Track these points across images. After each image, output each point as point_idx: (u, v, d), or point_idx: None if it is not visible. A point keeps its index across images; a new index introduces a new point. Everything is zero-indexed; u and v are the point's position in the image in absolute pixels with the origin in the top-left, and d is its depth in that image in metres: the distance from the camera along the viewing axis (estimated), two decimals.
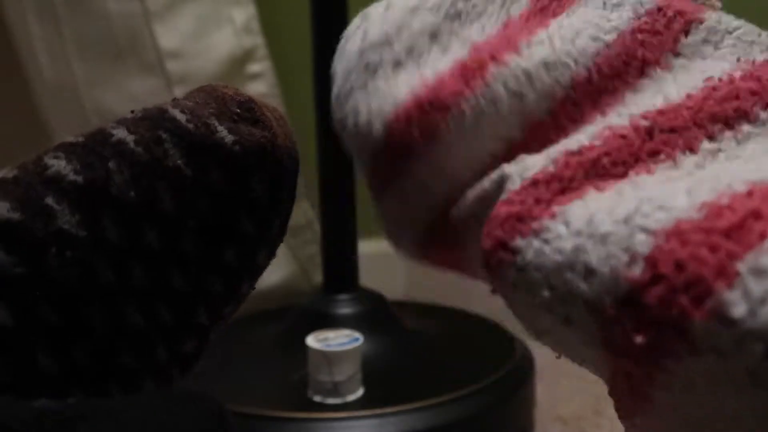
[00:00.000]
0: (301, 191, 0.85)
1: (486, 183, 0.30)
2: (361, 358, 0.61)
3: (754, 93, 0.29)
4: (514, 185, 0.28)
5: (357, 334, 0.62)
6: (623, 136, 0.28)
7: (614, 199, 0.26)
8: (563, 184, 0.27)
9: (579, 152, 0.28)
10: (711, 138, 0.28)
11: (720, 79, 0.29)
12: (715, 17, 0.32)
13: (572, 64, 0.30)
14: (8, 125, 0.83)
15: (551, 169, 0.28)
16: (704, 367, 0.23)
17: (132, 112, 0.30)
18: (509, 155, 0.30)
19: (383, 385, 0.62)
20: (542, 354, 0.70)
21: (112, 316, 0.29)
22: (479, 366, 0.65)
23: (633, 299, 0.24)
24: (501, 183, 0.29)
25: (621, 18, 0.31)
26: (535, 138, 0.30)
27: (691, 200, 0.24)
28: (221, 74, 0.79)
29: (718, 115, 0.28)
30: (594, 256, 0.25)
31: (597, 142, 0.28)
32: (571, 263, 0.25)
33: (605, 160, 0.27)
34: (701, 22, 0.31)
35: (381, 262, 0.98)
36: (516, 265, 0.27)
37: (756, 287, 0.22)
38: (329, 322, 0.67)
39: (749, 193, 0.24)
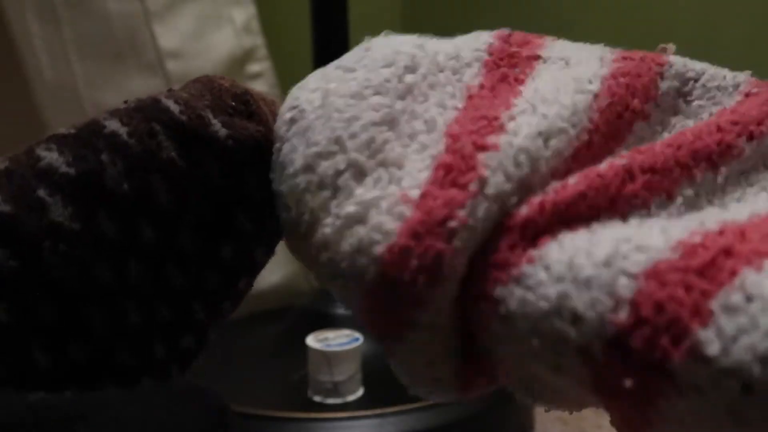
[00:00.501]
0: None
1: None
2: (361, 358, 0.61)
3: (734, 123, 0.29)
4: (494, 235, 0.27)
5: (357, 334, 0.62)
6: (600, 176, 0.27)
7: (589, 239, 0.26)
8: (537, 228, 0.26)
9: (553, 193, 0.26)
10: (691, 181, 0.28)
11: (703, 120, 0.29)
12: (679, 61, 0.31)
13: (570, 128, 0.28)
14: (8, 125, 0.83)
15: (524, 212, 0.26)
16: (689, 406, 0.23)
17: (125, 102, 0.30)
18: None
19: (383, 385, 0.62)
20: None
21: (109, 312, 0.28)
22: None
23: (620, 343, 0.24)
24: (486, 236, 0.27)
25: (595, 67, 0.30)
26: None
27: (666, 239, 0.24)
28: (221, 74, 0.79)
29: (701, 153, 0.28)
30: (579, 302, 0.24)
31: (572, 180, 0.27)
32: (557, 310, 0.25)
33: (581, 204, 0.26)
34: (670, 65, 0.31)
35: None
36: (499, 314, 0.26)
37: (728, 324, 0.22)
38: (329, 322, 0.67)
39: (721, 232, 0.24)
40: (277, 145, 0.29)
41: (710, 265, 0.23)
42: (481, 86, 0.29)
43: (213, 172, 0.29)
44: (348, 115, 0.27)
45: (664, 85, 0.30)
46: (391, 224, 0.26)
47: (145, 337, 0.29)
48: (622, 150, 0.29)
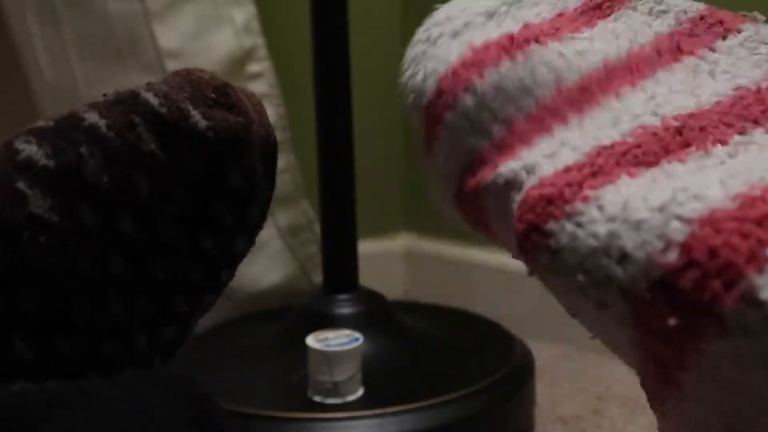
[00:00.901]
0: (301, 191, 0.85)
1: (505, 171, 0.30)
2: (361, 358, 0.61)
3: None
4: (545, 172, 0.29)
5: (357, 334, 0.62)
6: (655, 134, 0.28)
7: (647, 186, 0.26)
8: (594, 168, 0.28)
9: (611, 146, 0.28)
10: (742, 133, 0.29)
11: (748, 89, 0.30)
12: (753, 28, 0.32)
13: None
14: (8, 125, 0.83)
15: (582, 157, 0.28)
16: (733, 349, 0.24)
17: (104, 95, 0.30)
18: (521, 135, 0.31)
19: (383, 385, 0.62)
20: (542, 354, 0.70)
21: (91, 303, 0.28)
22: (479, 366, 0.65)
23: (667, 284, 0.24)
24: (528, 171, 0.29)
25: (662, 24, 0.32)
26: (556, 113, 0.31)
27: (725, 191, 0.25)
28: (221, 74, 0.78)
29: (746, 117, 0.29)
30: (629, 241, 0.25)
31: (629, 139, 0.28)
32: (605, 248, 0.26)
33: (637, 151, 0.28)
34: (740, 31, 0.32)
35: (381, 262, 0.98)
36: (550, 248, 0.27)
37: None
38: (329, 322, 0.67)
39: None
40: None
41: None
42: (575, 9, 0.34)
43: (193, 163, 0.29)
44: (463, 6, 0.36)
45: (725, 43, 0.32)
46: (454, 58, 0.34)
47: (127, 328, 0.29)
48: (664, 71, 0.31)
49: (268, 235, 0.83)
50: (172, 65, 0.76)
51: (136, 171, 0.29)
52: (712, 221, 0.24)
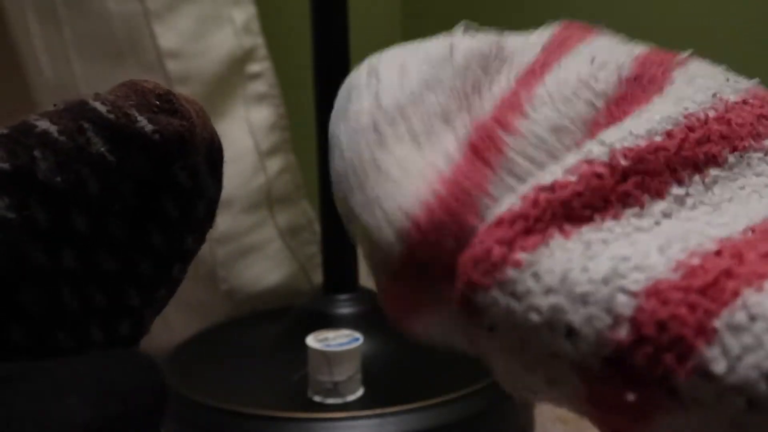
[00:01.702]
0: (301, 191, 0.85)
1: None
2: (361, 358, 0.61)
3: (724, 137, 0.29)
4: (488, 219, 0.27)
5: (357, 334, 0.62)
6: (599, 176, 0.27)
7: (583, 253, 0.26)
8: (528, 224, 0.26)
9: (551, 188, 0.26)
10: (680, 183, 0.28)
11: (697, 118, 0.29)
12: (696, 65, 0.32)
13: (575, 129, 0.29)
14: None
15: (517, 206, 0.26)
16: (691, 421, 0.24)
17: (54, 105, 0.32)
18: None
19: (383, 385, 0.62)
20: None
21: (45, 296, 0.30)
22: (479, 366, 0.65)
23: (620, 359, 0.24)
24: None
25: (607, 83, 0.30)
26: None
27: (665, 259, 0.25)
28: (221, 74, 0.79)
29: (689, 159, 0.28)
30: (575, 316, 0.24)
31: (572, 178, 0.27)
32: (549, 324, 0.25)
33: (576, 203, 0.26)
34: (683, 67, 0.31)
35: None
36: (485, 323, 0.26)
37: (733, 343, 0.23)
38: (329, 322, 0.67)
39: (718, 252, 0.25)
40: (342, 95, 0.32)
41: (712, 286, 0.24)
42: (527, 72, 0.31)
43: (141, 164, 0.31)
44: (417, 98, 0.30)
45: (673, 77, 0.31)
46: (425, 195, 0.28)
47: (82, 322, 0.31)
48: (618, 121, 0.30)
49: (268, 235, 0.83)
50: (172, 65, 0.76)
51: (87, 171, 0.31)
52: (657, 292, 0.24)
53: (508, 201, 0.27)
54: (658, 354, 0.23)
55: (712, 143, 0.29)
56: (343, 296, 0.70)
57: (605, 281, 0.24)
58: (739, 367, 0.23)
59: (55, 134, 0.31)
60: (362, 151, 0.30)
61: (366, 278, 0.73)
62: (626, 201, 0.27)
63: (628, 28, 0.80)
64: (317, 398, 0.60)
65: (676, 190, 0.28)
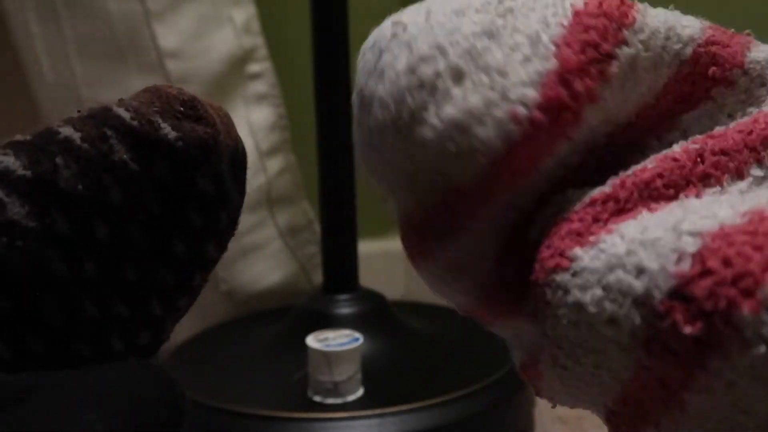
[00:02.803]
0: (301, 191, 0.85)
1: (549, 208, 0.30)
2: (361, 358, 0.61)
3: None
4: (574, 206, 0.29)
5: (357, 334, 0.62)
6: (675, 159, 0.29)
7: (665, 215, 0.27)
8: (619, 204, 0.28)
9: (633, 174, 0.29)
10: (760, 163, 0.29)
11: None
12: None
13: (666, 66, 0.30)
14: (8, 125, 0.83)
15: (608, 190, 0.29)
16: (750, 363, 0.24)
17: (78, 111, 0.32)
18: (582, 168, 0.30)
19: (383, 385, 0.62)
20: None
21: (66, 306, 0.30)
22: (479, 366, 0.65)
23: (682, 293, 0.25)
24: (563, 205, 0.30)
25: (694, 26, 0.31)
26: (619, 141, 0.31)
27: (733, 210, 0.26)
28: (221, 74, 0.79)
29: (765, 139, 0.29)
30: (645, 256, 0.26)
31: (650, 164, 0.29)
32: (623, 263, 0.26)
33: (658, 182, 0.28)
34: (757, 44, 0.32)
35: (381, 262, 0.98)
36: (571, 270, 0.28)
37: None
38: (329, 322, 0.67)
39: None
40: (369, 56, 0.30)
41: None
42: (586, 3, 0.29)
43: (164, 172, 0.31)
44: (449, 27, 0.28)
45: (751, 56, 0.32)
46: (497, 142, 0.27)
47: (102, 332, 0.31)
48: (688, 118, 0.31)
49: (268, 235, 0.83)
50: (172, 65, 0.76)
51: (109, 179, 0.30)
52: (723, 235, 0.25)
53: (599, 188, 0.29)
54: (722, 287, 0.24)
55: None
56: (343, 296, 0.70)
57: (674, 228, 0.26)
58: None
59: (78, 141, 0.30)
60: (414, 107, 0.28)
61: (366, 278, 0.73)
62: (707, 181, 0.29)
63: None
64: (317, 398, 0.60)
65: (756, 171, 0.29)
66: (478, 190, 0.28)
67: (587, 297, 0.27)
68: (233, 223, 0.34)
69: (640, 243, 0.26)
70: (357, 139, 0.30)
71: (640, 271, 0.26)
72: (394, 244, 1.16)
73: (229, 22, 0.79)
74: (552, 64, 0.27)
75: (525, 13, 0.29)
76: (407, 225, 0.31)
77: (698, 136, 0.30)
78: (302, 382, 0.61)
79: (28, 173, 0.29)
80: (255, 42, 0.81)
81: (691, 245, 0.25)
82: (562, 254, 0.28)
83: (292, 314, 0.72)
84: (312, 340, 0.61)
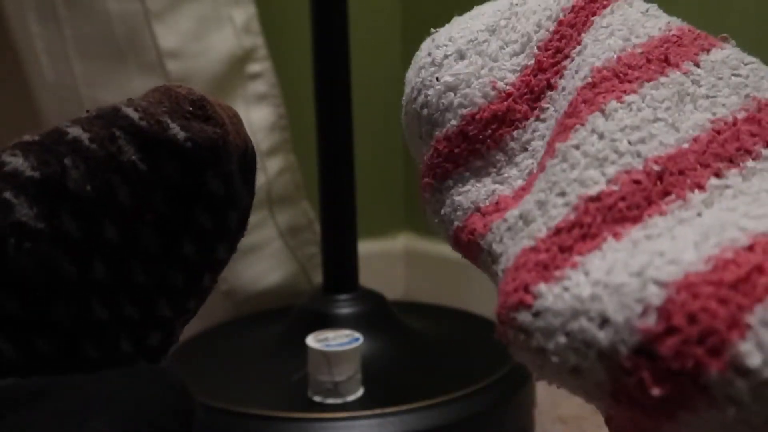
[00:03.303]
0: (301, 191, 0.85)
1: (510, 217, 0.31)
2: (361, 358, 0.61)
3: (753, 135, 0.30)
4: (540, 232, 0.30)
5: (357, 334, 0.62)
6: (637, 182, 0.29)
7: (630, 250, 0.27)
8: (583, 230, 0.29)
9: (598, 198, 0.29)
10: (718, 175, 0.29)
11: (725, 122, 0.31)
12: (734, 49, 0.34)
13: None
14: (8, 125, 0.83)
15: (572, 216, 0.29)
16: (721, 420, 0.24)
17: (87, 111, 0.31)
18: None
19: (383, 385, 0.62)
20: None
21: (75, 308, 0.29)
22: (479, 366, 0.65)
23: (647, 350, 0.24)
24: (525, 221, 0.31)
25: (654, 27, 0.34)
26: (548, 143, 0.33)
27: (698, 254, 0.25)
28: (221, 74, 0.79)
29: (721, 155, 0.30)
30: (609, 305, 0.25)
31: (614, 187, 0.29)
32: (587, 311, 0.26)
33: (621, 205, 0.29)
34: (722, 48, 0.33)
35: (381, 262, 0.99)
36: (534, 309, 0.28)
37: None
38: (329, 322, 0.67)
39: (751, 247, 0.25)
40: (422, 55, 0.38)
41: (744, 281, 0.24)
42: (573, 8, 0.36)
43: (173, 173, 0.31)
44: (463, 25, 0.37)
45: (709, 56, 0.33)
46: (478, 98, 0.35)
47: (112, 333, 0.30)
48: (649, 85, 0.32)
49: (268, 235, 0.83)
50: (172, 65, 0.76)
51: (118, 180, 0.30)
52: (687, 285, 0.24)
53: (562, 211, 0.30)
54: (689, 346, 0.23)
55: (742, 141, 0.30)
56: (343, 296, 0.70)
57: (639, 273, 0.25)
58: None
59: (87, 142, 0.30)
60: (424, 77, 0.36)
61: (366, 278, 0.73)
62: (668, 198, 0.29)
63: None
64: (317, 398, 0.60)
65: (715, 182, 0.29)
66: (461, 135, 0.35)
67: (550, 345, 0.27)
68: (243, 223, 0.34)
69: (604, 286, 0.26)
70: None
71: (604, 320, 0.25)
72: (394, 244, 1.17)
73: (229, 22, 0.79)
74: (532, 61, 0.35)
75: (527, 16, 0.36)
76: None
77: (660, 154, 0.30)
78: (302, 382, 0.61)
79: (37, 174, 0.29)
80: (255, 42, 0.81)
81: (656, 297, 0.25)
82: (526, 289, 0.28)
83: (292, 314, 0.72)
84: (312, 340, 0.61)
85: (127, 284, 0.31)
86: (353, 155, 0.71)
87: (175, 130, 0.31)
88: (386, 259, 1.00)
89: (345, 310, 0.69)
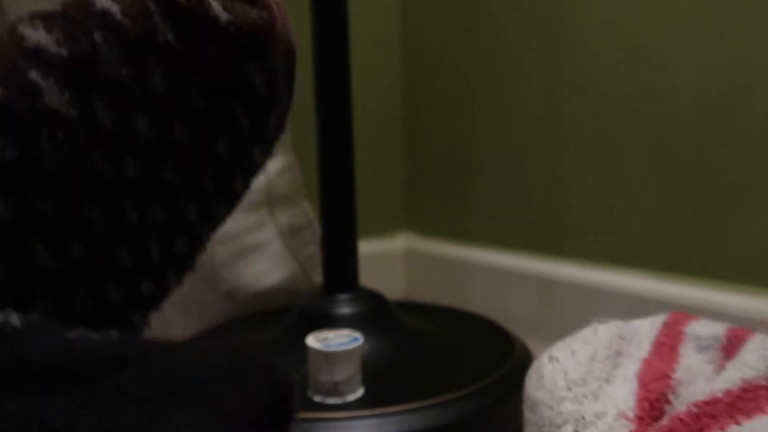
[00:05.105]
0: (301, 191, 0.85)
1: None
2: (361, 358, 0.61)
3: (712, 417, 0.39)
4: None
5: (357, 334, 0.62)
6: (681, 420, 0.38)
7: None
8: None
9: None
10: (738, 424, 0.37)
11: (751, 384, 0.39)
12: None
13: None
14: None
15: None
16: None
17: None
18: None
19: (383, 385, 0.62)
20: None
21: (107, 209, 0.26)
22: (479, 366, 0.65)
23: None
24: None
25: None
26: None
27: None
28: None
29: (741, 410, 0.38)
30: None
31: (665, 422, 0.38)
32: None
33: None
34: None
35: (381, 262, 0.99)
36: None
37: None
38: (329, 322, 0.67)
39: None
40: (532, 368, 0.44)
41: None
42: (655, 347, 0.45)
43: (212, 59, 0.27)
44: (586, 368, 0.44)
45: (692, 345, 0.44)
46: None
47: (141, 236, 0.27)
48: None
49: (268, 235, 0.83)
50: None
51: (153, 63, 0.26)
52: None
53: None
54: None
55: (759, 401, 0.38)
56: (343, 296, 0.70)
57: None
58: None
59: (118, 15, 0.26)
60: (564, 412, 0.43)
61: (366, 278, 0.73)
62: None
63: (628, 29, 0.80)
64: (317, 398, 0.60)
65: (735, 429, 0.36)
66: None
67: None
68: (281, 125, 0.30)
69: None
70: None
71: None
72: (394, 244, 1.17)
73: None
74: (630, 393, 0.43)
75: (626, 352, 0.45)
76: None
77: (698, 400, 0.38)
78: (302, 382, 0.61)
79: (64, 51, 0.25)
80: None
81: None
82: None
83: (292, 314, 0.72)
84: (312, 340, 0.61)
85: (156, 183, 0.27)
86: (353, 155, 0.71)
87: (218, 9, 0.27)
88: (386, 259, 1.00)
89: (345, 310, 0.69)
